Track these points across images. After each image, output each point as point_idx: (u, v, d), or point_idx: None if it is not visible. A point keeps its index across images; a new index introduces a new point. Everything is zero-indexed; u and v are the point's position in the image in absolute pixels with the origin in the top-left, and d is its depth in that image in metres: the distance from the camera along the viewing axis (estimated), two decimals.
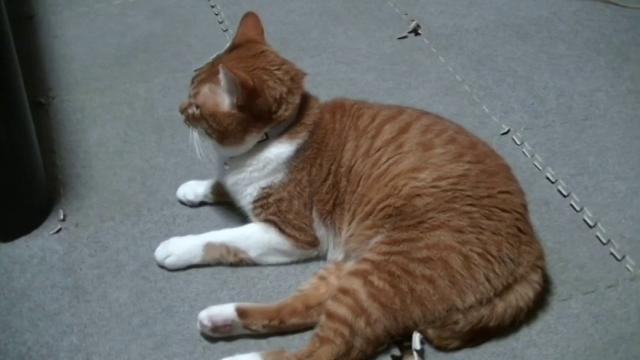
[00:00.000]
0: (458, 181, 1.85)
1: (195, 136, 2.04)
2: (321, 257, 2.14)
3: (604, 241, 2.18)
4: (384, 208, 1.93)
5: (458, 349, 1.87)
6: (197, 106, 2.00)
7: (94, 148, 2.56)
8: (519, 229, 1.89)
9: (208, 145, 2.07)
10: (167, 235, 2.20)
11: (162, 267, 2.12)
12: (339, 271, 2.02)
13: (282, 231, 2.07)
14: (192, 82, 2.03)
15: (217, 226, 2.20)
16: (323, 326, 1.82)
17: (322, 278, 2.02)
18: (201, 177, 2.36)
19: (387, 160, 1.96)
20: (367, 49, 3.08)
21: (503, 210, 1.87)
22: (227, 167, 2.10)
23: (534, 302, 1.90)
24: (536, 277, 1.89)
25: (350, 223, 2.02)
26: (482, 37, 3.14)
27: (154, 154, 2.54)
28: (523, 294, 1.86)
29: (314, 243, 2.08)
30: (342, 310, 1.80)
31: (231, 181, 2.11)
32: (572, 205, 2.31)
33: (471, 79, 2.85)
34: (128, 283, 2.09)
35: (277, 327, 1.92)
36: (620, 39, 3.12)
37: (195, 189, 2.35)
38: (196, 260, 2.13)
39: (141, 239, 2.22)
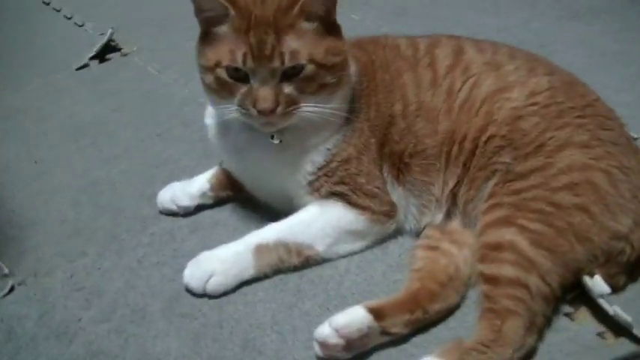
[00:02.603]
0: (551, 94, 1.55)
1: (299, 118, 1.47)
2: (398, 232, 1.63)
3: None
4: (488, 140, 1.53)
5: (624, 286, 1.50)
6: (306, 63, 1.42)
7: None
8: (627, 137, 1.59)
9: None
10: (175, 257, 1.59)
11: (202, 295, 1.47)
12: (450, 235, 1.57)
13: (352, 204, 1.56)
14: (258, 48, 1.40)
15: (237, 233, 1.58)
16: (492, 297, 1.37)
17: (433, 248, 1.54)
18: (168, 179, 1.76)
19: (461, 86, 1.58)
20: None
21: (608, 118, 1.57)
22: (277, 141, 1.52)
23: None
24: None
25: (445, 171, 1.55)
26: None
27: (85, 166, 1.88)
28: None
29: (391, 212, 1.59)
30: (507, 270, 1.37)
31: (283, 156, 1.54)
32: None
33: None
34: (167, 329, 1.43)
35: (421, 320, 1.42)
36: None
37: (187, 190, 1.71)
38: (249, 273, 1.52)
39: (142, 269, 1.57)
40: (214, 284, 1.48)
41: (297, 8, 1.39)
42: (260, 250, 1.51)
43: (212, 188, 1.72)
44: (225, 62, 1.42)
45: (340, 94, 1.49)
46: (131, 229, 1.67)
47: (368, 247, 1.61)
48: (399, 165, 1.58)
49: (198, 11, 1.45)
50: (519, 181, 1.46)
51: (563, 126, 1.50)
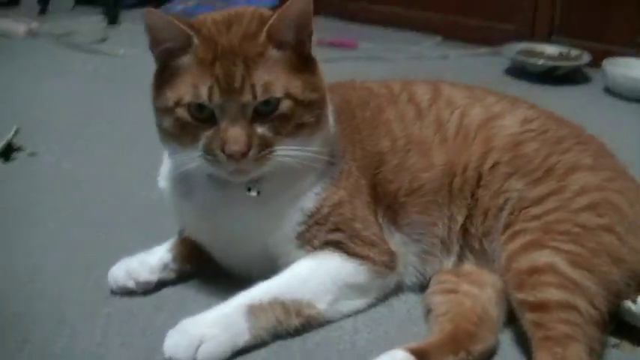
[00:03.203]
0: (543, 122, 1.49)
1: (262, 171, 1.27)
2: (399, 288, 1.44)
3: None
4: (493, 167, 1.41)
5: None
6: (281, 97, 1.23)
7: None
8: (621, 165, 1.52)
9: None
10: (143, 336, 1.31)
11: None
12: (467, 277, 1.41)
13: (350, 253, 1.35)
14: (233, 86, 1.20)
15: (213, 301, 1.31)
16: (545, 324, 1.21)
17: (452, 291, 1.37)
18: (110, 263, 1.45)
19: (449, 117, 1.47)
20: None
21: (601, 146, 1.51)
22: (254, 193, 1.30)
23: None
24: None
25: (449, 206, 1.41)
26: None
27: (6, 259, 1.56)
28: None
29: (392, 262, 1.40)
30: (553, 294, 1.22)
31: (265, 210, 1.33)
32: None
33: None
34: None
35: None
36: None
37: (145, 262, 1.44)
38: (244, 339, 1.25)
39: (106, 353, 1.27)
40: (206, 352, 1.21)
41: (263, 34, 1.22)
42: (253, 311, 1.26)
43: (174, 260, 1.46)
44: (187, 99, 1.21)
45: (320, 135, 1.31)
46: (80, 313, 1.36)
47: (370, 305, 1.38)
48: (395, 206, 1.41)
49: (156, 43, 1.26)
50: (536, 206, 1.34)
51: (566, 151, 1.41)
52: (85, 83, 2.80)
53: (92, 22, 3.71)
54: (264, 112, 1.22)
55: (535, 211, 1.33)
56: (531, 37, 3.14)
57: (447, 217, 1.41)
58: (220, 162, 1.21)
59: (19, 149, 2.05)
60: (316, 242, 1.34)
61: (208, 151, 1.22)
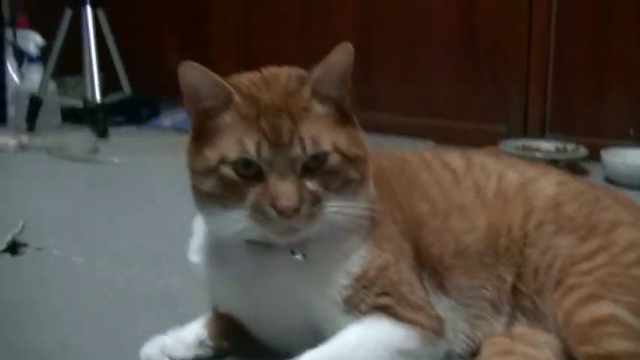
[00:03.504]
0: (578, 184, 1.51)
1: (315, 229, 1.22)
2: (448, 357, 1.37)
3: None
4: (538, 226, 1.39)
5: None
6: (330, 151, 1.21)
7: None
8: None
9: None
10: None
11: None
12: (522, 338, 1.35)
13: (399, 318, 1.29)
14: (281, 140, 1.18)
15: None
16: None
17: (508, 353, 1.31)
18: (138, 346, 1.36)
19: (486, 182, 1.46)
20: None
21: (633, 205, 1.53)
22: (299, 257, 1.25)
23: None
24: None
25: (497, 266, 1.37)
26: None
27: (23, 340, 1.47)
28: None
29: (440, 328, 1.33)
30: (618, 344, 1.21)
31: (309, 274, 1.27)
32: None
33: None
34: None
35: None
36: None
37: (181, 339, 1.37)
38: None
39: None
40: None
41: (307, 89, 1.22)
42: None
43: (210, 336, 1.38)
44: (233, 156, 1.18)
45: (364, 193, 1.28)
46: None
47: None
48: (441, 270, 1.37)
49: (194, 100, 1.23)
50: (585, 262, 1.32)
51: (605, 209, 1.41)
52: (81, 190, 2.76)
53: (81, 136, 3.70)
54: (312, 167, 1.19)
55: (586, 266, 1.31)
56: (524, 135, 3.20)
57: (496, 278, 1.37)
58: (270, 220, 1.17)
59: (25, 245, 1.97)
60: (364, 307, 1.28)
61: (257, 209, 1.17)
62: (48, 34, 4.02)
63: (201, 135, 1.24)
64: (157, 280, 1.78)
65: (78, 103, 4.00)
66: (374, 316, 1.28)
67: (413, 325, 1.29)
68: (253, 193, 1.18)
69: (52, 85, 4.03)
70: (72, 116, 4.15)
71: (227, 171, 1.19)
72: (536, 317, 1.35)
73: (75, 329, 1.50)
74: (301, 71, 1.29)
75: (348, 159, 1.22)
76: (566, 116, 3.16)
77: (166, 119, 4.10)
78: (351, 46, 1.22)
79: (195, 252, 1.40)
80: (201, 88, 1.21)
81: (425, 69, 3.56)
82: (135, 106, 4.10)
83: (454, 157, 1.52)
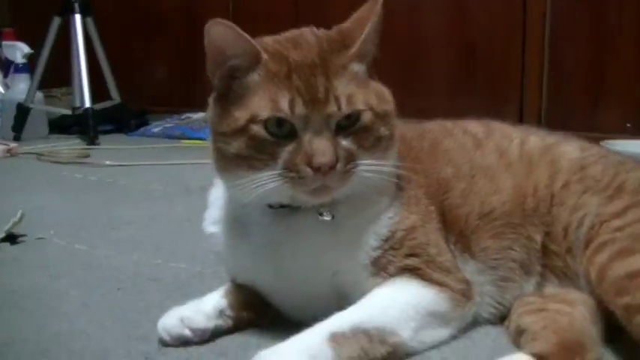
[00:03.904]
0: (599, 149, 1.51)
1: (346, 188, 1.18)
2: (476, 318, 1.33)
3: None
4: (564, 186, 1.37)
5: None
6: (363, 110, 1.17)
7: None
8: None
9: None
10: None
11: None
12: (553, 297, 1.31)
13: (428, 280, 1.25)
14: (317, 99, 1.14)
15: None
16: None
17: (541, 310, 1.27)
18: (153, 324, 1.31)
19: (508, 145, 1.44)
20: None
21: None
22: (328, 217, 1.21)
23: None
24: None
25: (526, 227, 1.34)
26: None
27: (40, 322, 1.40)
28: None
29: (468, 291, 1.30)
30: None
31: (337, 236, 1.23)
32: None
33: None
34: None
35: None
36: None
37: (200, 309, 1.32)
38: None
39: None
40: None
41: (356, 47, 1.19)
42: (337, 339, 1.13)
43: (230, 306, 1.33)
44: (264, 114, 1.13)
45: (394, 150, 1.25)
46: None
47: (451, 338, 1.27)
48: (467, 232, 1.34)
49: (220, 60, 1.19)
50: (616, 219, 1.28)
51: (631, 170, 1.38)
52: (76, 188, 2.71)
53: (71, 144, 3.66)
54: (345, 125, 1.16)
55: (616, 223, 1.27)
56: None
57: (525, 238, 1.34)
58: (304, 178, 1.12)
59: (24, 235, 1.91)
60: (392, 268, 1.24)
61: (290, 167, 1.13)
62: (36, 44, 3.98)
63: (227, 96, 1.19)
64: (165, 265, 1.72)
65: (66, 112, 3.96)
66: (402, 277, 1.24)
67: (441, 287, 1.25)
68: (286, 151, 1.13)
69: (39, 95, 3.98)
70: (59, 127, 4.12)
71: (258, 130, 1.14)
72: (567, 276, 1.31)
73: (86, 313, 1.45)
74: (324, 30, 1.26)
75: (379, 116, 1.19)
76: (562, 111, 3.16)
77: (156, 127, 4.06)
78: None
79: (212, 223, 1.35)
80: (227, 46, 1.17)
81: (421, 81, 3.57)
82: (124, 113, 4.06)
83: (474, 125, 1.50)
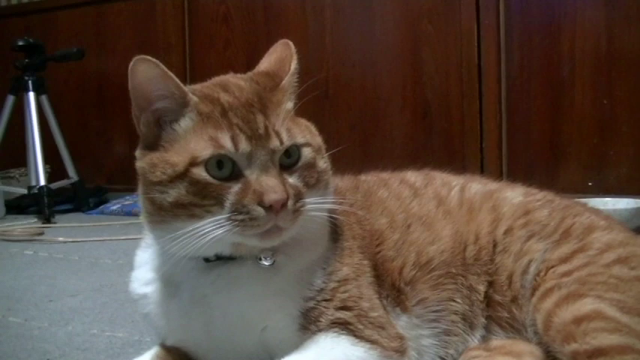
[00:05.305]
0: (545, 194, 1.45)
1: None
2: None
3: None
4: (507, 232, 1.32)
5: None
6: (303, 143, 1.15)
7: None
8: None
9: None
10: None
11: None
12: (499, 349, 1.25)
13: (358, 336, 1.17)
14: (257, 131, 1.10)
15: None
16: None
17: None
18: None
19: (449, 193, 1.40)
20: None
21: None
22: (268, 262, 1.14)
23: None
24: None
25: (466, 277, 1.28)
26: None
27: None
28: None
29: (402, 348, 1.20)
30: (607, 339, 1.10)
31: (272, 284, 1.16)
32: None
33: None
34: None
35: None
36: None
37: None
38: None
39: None
40: None
41: (285, 84, 1.18)
42: None
43: None
44: (206, 154, 1.07)
45: (332, 185, 1.21)
46: None
47: None
48: (401, 285, 1.27)
49: (143, 105, 1.13)
50: (563, 265, 1.25)
51: (577, 214, 1.35)
52: (22, 265, 2.60)
53: (26, 223, 3.57)
54: (289, 164, 1.12)
55: (564, 268, 1.23)
56: None
57: (466, 289, 1.27)
58: (255, 219, 1.05)
59: None
60: (323, 321, 1.16)
61: (240, 209, 1.05)
62: None
63: (156, 144, 1.13)
64: (100, 334, 1.64)
65: (22, 191, 3.88)
66: (331, 333, 1.16)
67: (372, 344, 1.17)
68: (232, 193, 1.06)
69: None
70: (17, 207, 4.05)
71: (199, 173, 1.07)
72: (514, 327, 1.25)
73: None
74: (247, 75, 1.22)
75: (316, 150, 1.16)
76: (522, 172, 3.15)
77: (114, 205, 3.99)
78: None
79: (143, 284, 1.27)
80: (153, 87, 1.11)
81: (381, 138, 3.55)
82: (82, 192, 3.99)
83: (412, 175, 1.46)
